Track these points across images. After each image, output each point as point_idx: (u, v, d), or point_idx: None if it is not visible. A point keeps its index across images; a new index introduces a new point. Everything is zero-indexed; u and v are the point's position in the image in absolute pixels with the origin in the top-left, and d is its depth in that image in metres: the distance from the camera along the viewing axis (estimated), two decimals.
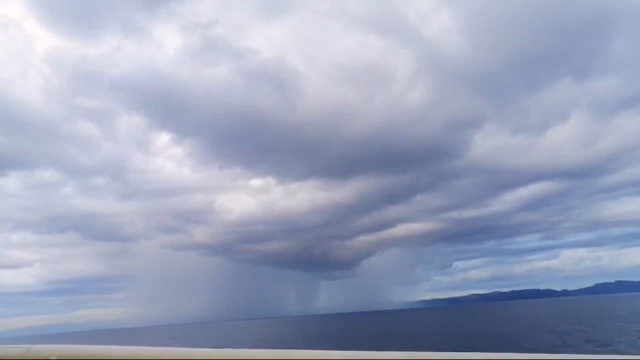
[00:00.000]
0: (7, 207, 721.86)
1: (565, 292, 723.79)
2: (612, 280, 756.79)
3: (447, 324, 72.57)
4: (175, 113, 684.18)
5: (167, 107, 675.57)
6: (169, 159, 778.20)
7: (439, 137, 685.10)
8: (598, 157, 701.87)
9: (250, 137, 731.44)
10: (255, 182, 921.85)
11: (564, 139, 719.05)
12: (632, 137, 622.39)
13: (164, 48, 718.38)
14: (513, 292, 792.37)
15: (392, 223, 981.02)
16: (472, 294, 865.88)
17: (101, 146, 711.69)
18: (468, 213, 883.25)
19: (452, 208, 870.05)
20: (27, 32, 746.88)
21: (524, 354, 2.66)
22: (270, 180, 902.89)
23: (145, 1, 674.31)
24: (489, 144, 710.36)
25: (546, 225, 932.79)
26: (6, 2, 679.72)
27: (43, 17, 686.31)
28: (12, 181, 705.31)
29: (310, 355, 2.42)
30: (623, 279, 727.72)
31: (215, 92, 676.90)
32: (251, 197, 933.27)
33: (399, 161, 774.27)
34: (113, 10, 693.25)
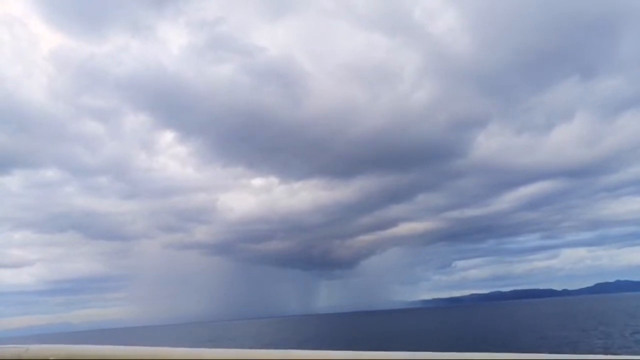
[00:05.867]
0: (9, 206, 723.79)
1: (565, 292, 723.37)
2: (612, 279, 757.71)
3: (447, 324, 72.54)
4: (180, 111, 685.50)
5: (172, 105, 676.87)
6: (172, 157, 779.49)
7: (443, 136, 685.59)
8: (601, 157, 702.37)
9: (254, 136, 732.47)
10: (258, 182, 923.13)
11: (567, 139, 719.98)
12: (635, 137, 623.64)
13: (169, 46, 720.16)
14: (513, 291, 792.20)
15: (393, 222, 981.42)
16: (472, 294, 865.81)
17: (105, 145, 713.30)
18: (469, 212, 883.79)
19: (454, 207, 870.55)
20: (32, 31, 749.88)
21: (524, 354, 2.65)
22: (273, 180, 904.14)
23: None
24: (493, 143, 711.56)
25: (547, 224, 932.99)
26: (10, 0, 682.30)
27: (47, 15, 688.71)
28: (16, 180, 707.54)
29: (310, 355, 2.41)
30: (623, 279, 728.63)
31: (221, 90, 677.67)
32: (253, 196, 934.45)
33: (402, 160, 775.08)
34: (119, 8, 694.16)
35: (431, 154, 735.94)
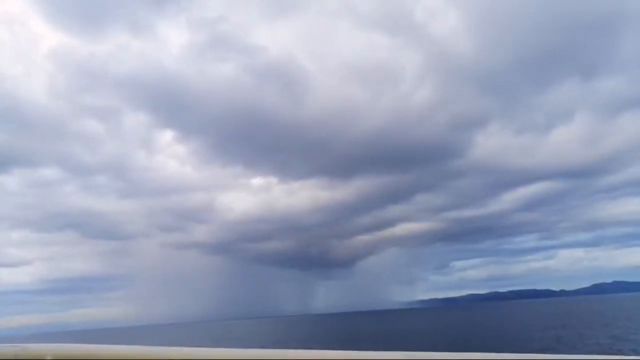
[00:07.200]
0: (8, 205, 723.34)
1: (563, 292, 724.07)
2: (609, 280, 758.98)
3: (444, 324, 72.60)
4: (180, 111, 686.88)
5: (171, 104, 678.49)
6: (171, 157, 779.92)
7: (443, 136, 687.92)
8: (600, 157, 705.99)
9: (254, 136, 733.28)
10: (257, 181, 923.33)
11: (567, 139, 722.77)
12: (635, 137, 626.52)
13: (170, 45, 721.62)
14: (511, 292, 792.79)
15: (391, 222, 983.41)
16: (470, 294, 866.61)
17: (105, 144, 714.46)
18: (467, 213, 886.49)
19: (452, 208, 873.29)
20: (32, 30, 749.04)
21: (524, 354, 2.64)
22: (272, 179, 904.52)
23: None
24: (492, 143, 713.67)
25: (544, 225, 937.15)
26: None
27: (47, 14, 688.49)
28: (15, 179, 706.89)
29: (309, 355, 2.40)
30: (620, 279, 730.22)
31: (221, 90, 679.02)
32: (252, 196, 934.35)
33: (401, 160, 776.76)
34: (119, 7, 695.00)
35: (430, 154, 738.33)
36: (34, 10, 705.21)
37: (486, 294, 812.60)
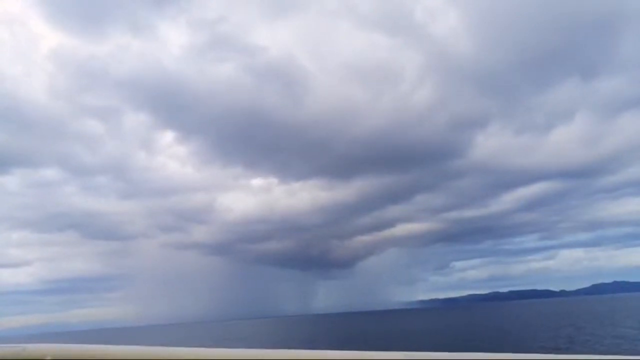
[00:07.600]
0: (8, 206, 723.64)
1: (563, 293, 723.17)
2: (609, 280, 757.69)
3: (444, 324, 72.57)
4: (180, 111, 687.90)
5: (172, 105, 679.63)
6: (172, 157, 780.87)
7: (443, 136, 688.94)
8: (600, 157, 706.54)
9: (254, 136, 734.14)
10: (257, 182, 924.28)
11: (567, 139, 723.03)
12: (635, 137, 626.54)
13: (170, 46, 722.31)
14: (511, 292, 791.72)
15: (391, 223, 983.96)
16: (470, 294, 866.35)
17: (105, 144, 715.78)
18: (467, 213, 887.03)
19: (452, 208, 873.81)
20: (32, 30, 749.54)
21: (524, 354, 2.64)
22: (272, 180, 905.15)
23: None
24: (492, 143, 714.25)
25: (545, 225, 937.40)
26: None
27: (48, 14, 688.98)
28: (15, 179, 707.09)
29: (309, 355, 2.40)
30: (620, 279, 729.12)
31: (221, 90, 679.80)
32: (252, 196, 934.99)
33: (401, 161, 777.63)
34: (119, 7, 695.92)
35: (431, 154, 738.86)
36: (34, 10, 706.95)
37: (486, 294, 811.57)
